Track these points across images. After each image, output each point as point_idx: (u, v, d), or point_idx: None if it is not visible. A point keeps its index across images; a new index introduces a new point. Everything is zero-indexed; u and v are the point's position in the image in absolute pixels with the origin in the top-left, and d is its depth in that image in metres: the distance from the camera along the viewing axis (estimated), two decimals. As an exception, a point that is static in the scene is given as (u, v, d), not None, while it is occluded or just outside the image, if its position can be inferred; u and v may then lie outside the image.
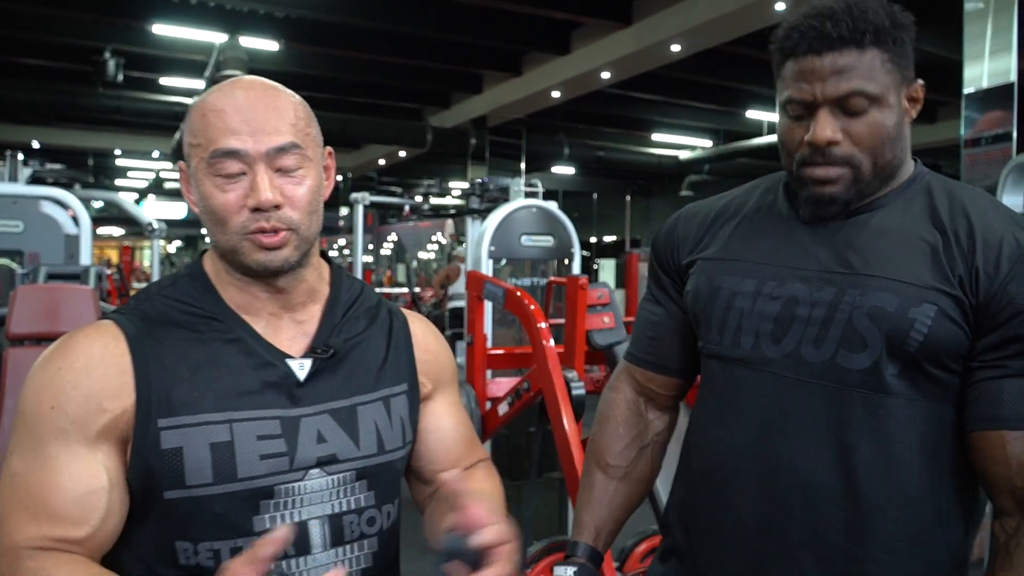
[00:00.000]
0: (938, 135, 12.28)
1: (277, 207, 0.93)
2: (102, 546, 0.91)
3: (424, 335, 1.14)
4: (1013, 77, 5.01)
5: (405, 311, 1.15)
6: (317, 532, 0.97)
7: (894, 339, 0.97)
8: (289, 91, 0.99)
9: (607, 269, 17.53)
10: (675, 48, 8.30)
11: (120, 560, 0.94)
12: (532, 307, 2.70)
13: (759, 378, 1.06)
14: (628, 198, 17.75)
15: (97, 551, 0.91)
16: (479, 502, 0.89)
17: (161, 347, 0.94)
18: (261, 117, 0.93)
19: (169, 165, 16.36)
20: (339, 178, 17.22)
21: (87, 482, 0.89)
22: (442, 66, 10.65)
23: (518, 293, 2.80)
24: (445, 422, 1.14)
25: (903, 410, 0.98)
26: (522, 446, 4.17)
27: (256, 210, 0.92)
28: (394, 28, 9.03)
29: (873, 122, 1.00)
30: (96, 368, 0.91)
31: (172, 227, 7.70)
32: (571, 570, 1.16)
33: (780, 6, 6.98)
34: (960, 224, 1.00)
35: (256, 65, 8.69)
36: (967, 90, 5.16)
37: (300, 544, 0.95)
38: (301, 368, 0.98)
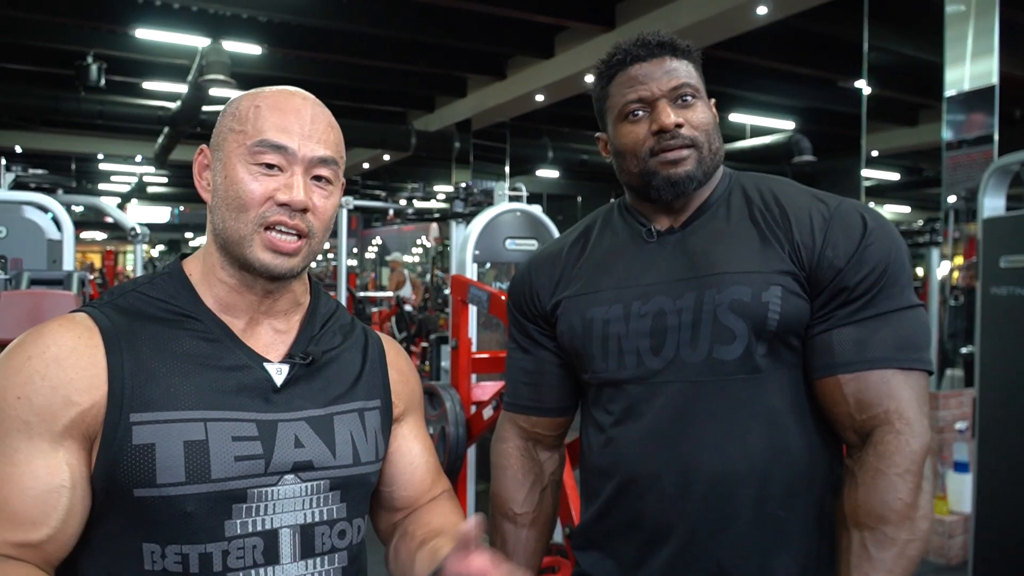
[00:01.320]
0: (919, 138, 12.35)
1: (304, 210, 0.94)
2: (60, 550, 0.88)
3: (396, 356, 1.14)
4: (995, 79, 5.06)
5: (377, 332, 1.16)
6: (287, 542, 0.94)
7: (756, 324, 1.10)
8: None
9: (592, 272, 17.53)
10: (659, 52, 8.32)
11: (79, 568, 0.91)
12: (517, 311, 2.70)
13: (651, 390, 1.15)
14: (612, 200, 17.77)
15: (55, 555, 0.88)
16: (481, 549, 0.86)
17: (136, 341, 0.91)
18: (309, 126, 0.96)
19: (152, 169, 16.24)
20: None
21: (47, 479, 0.86)
22: (426, 70, 10.63)
23: (503, 297, 2.80)
24: (416, 447, 1.13)
25: (775, 383, 1.12)
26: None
27: (283, 206, 0.93)
28: (378, 32, 9.01)
29: (702, 110, 1.16)
30: (67, 358, 0.88)
31: (155, 231, 7.66)
32: None
33: (762, 10, 7.02)
34: (774, 210, 1.15)
35: (239, 69, 8.66)
36: (948, 93, 5.21)
37: (269, 553, 0.92)
38: (279, 373, 0.97)
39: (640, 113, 1.16)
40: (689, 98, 1.15)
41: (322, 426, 0.98)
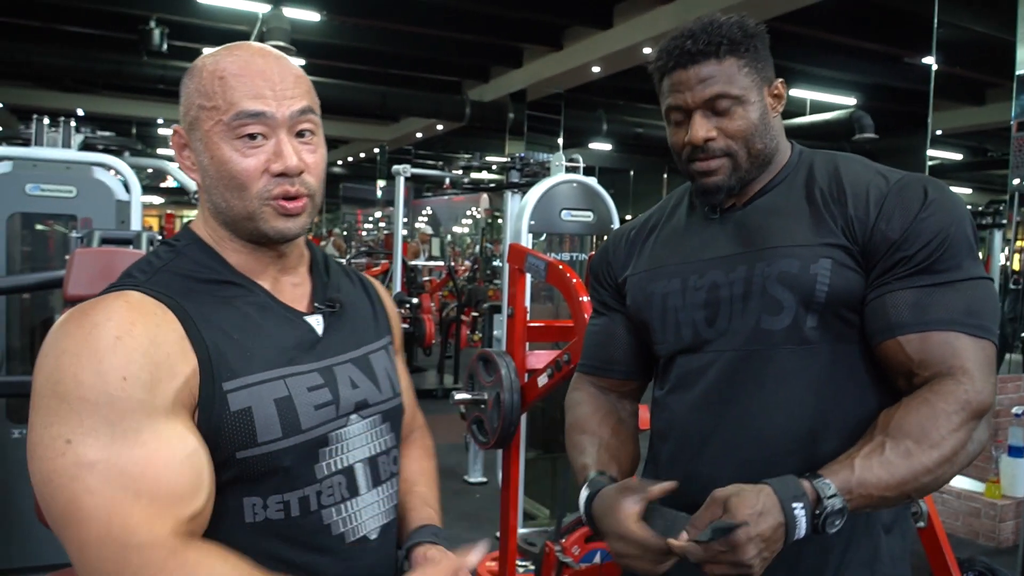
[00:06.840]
0: (987, 117, 11.99)
1: (300, 172, 0.95)
2: (210, 512, 0.89)
3: (385, 295, 1.23)
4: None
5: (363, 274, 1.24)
6: (362, 474, 1.03)
7: (804, 296, 1.12)
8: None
9: (642, 247, 17.38)
10: (719, 24, 8.16)
11: None
12: (574, 280, 2.71)
13: (705, 359, 1.20)
14: (665, 176, 17.60)
15: (208, 517, 0.89)
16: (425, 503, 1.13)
17: (201, 311, 0.92)
18: (279, 82, 0.94)
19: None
20: (376, 151, 17.07)
21: (182, 447, 0.86)
22: (483, 39, 10.59)
23: (560, 266, 2.80)
24: (404, 379, 1.20)
25: (826, 355, 1.13)
26: (558, 419, 4.20)
27: (280, 175, 0.94)
28: (436, 1, 9.00)
29: (740, 117, 1.16)
30: (158, 335, 0.87)
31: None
32: (584, 492, 1.19)
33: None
34: (832, 184, 1.16)
35: (298, 36, 8.71)
36: (1020, 71, 5.04)
37: (351, 487, 1.02)
38: (318, 324, 1.03)
39: (680, 119, 1.19)
40: (726, 106, 1.15)
41: (364, 365, 1.06)
